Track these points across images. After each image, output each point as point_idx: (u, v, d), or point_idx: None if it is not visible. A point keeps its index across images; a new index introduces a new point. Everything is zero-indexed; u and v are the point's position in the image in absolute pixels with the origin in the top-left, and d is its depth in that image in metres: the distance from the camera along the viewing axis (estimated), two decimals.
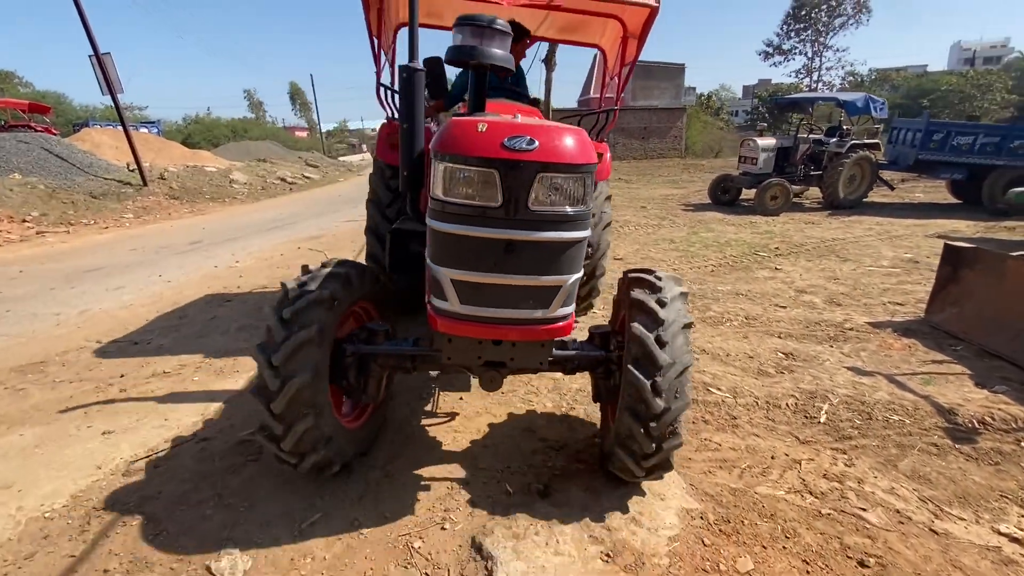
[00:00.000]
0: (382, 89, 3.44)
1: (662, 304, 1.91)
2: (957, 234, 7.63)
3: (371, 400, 2.25)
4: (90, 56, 11.90)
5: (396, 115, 3.26)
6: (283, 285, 1.99)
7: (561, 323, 1.86)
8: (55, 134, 19.93)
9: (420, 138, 2.05)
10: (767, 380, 3.23)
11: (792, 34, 50.28)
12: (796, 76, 52.12)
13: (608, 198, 3.84)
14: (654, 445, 1.86)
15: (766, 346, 3.76)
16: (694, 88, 47.31)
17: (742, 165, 10.16)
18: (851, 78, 51.03)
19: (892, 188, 10.65)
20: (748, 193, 10.94)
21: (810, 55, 50.92)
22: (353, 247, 6.71)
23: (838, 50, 50.37)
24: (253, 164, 20.86)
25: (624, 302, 2.10)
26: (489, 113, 1.95)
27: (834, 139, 9.95)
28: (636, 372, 1.83)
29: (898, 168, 10.24)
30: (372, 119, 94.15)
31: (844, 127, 10.10)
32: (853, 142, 9.56)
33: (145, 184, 12.80)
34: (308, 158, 28.14)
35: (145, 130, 22.95)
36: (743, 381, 3.20)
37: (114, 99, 12.16)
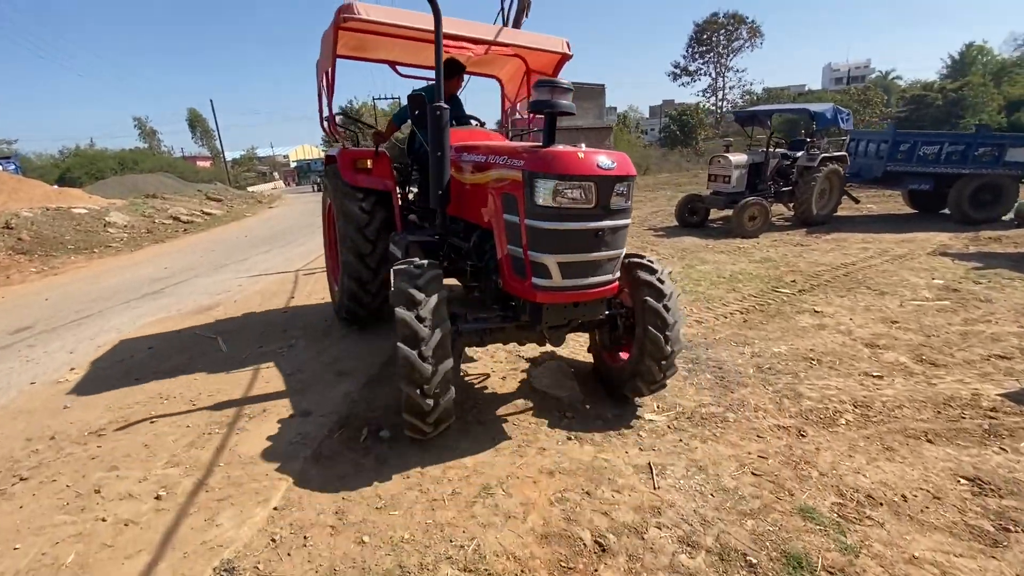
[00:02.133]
0: (337, 118, 3.98)
1: (661, 282, 2.84)
2: (950, 249, 7.11)
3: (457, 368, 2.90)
4: None
5: (345, 144, 4.14)
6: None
7: (616, 283, 2.72)
8: None
9: (448, 164, 2.85)
10: (992, 555, 1.90)
11: (696, 56, 53.44)
12: (703, 95, 55.27)
13: None
14: (663, 374, 2.88)
15: (933, 468, 2.47)
16: (615, 108, 48.57)
17: (713, 184, 9.32)
18: (747, 96, 55.06)
19: (857, 201, 10.31)
20: (716, 213, 10.19)
21: (714, 75, 54.26)
22: (270, 321, 4.86)
23: (737, 71, 54.22)
24: (139, 202, 17.73)
25: (625, 279, 2.89)
26: (559, 144, 2.53)
27: (801, 153, 9.38)
28: (654, 330, 2.74)
29: (861, 180, 9.88)
30: (283, 145, 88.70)
31: (809, 139, 9.60)
32: (823, 155, 9.01)
33: None
34: (209, 191, 24.88)
35: None
36: (965, 566, 1.84)
37: None
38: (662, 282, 2.80)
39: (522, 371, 3.57)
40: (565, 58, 4.13)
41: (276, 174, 75.19)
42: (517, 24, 5.93)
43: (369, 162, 3.69)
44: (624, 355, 3.14)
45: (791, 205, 9.60)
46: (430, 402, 2.35)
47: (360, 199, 3.70)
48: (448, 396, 2.42)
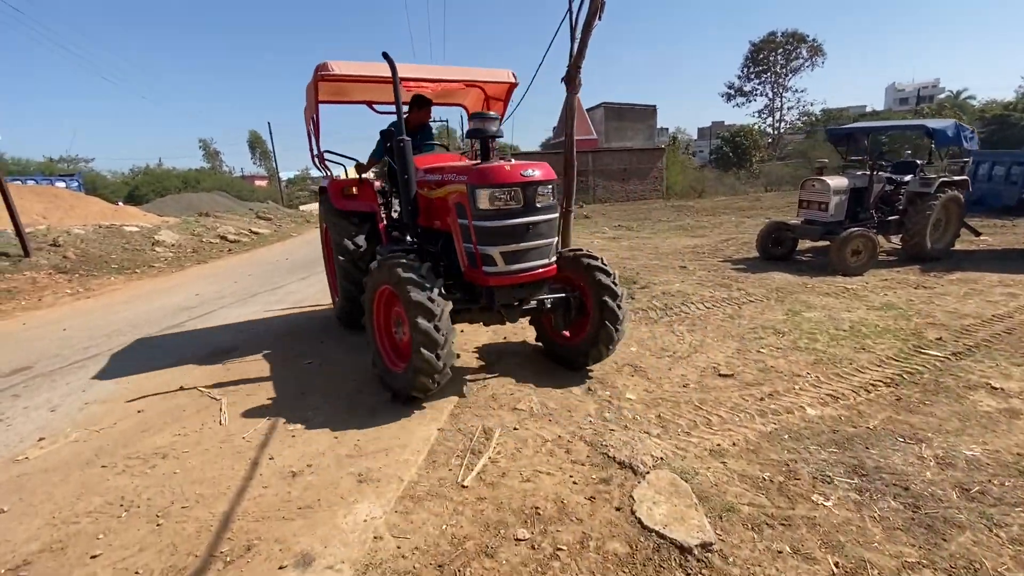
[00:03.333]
0: (319, 157, 4.63)
1: (615, 284, 3.63)
2: None
3: None
4: None
5: (331, 175, 4.84)
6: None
7: (552, 267, 3.43)
8: None
9: (414, 183, 3.57)
10: None
11: (752, 76, 51.55)
12: (759, 116, 53.12)
13: None
14: (609, 353, 3.74)
15: None
16: (666, 129, 47.23)
17: (805, 211, 8.05)
18: (805, 118, 52.48)
19: (978, 234, 8.75)
20: (804, 243, 8.88)
21: (771, 96, 52.10)
22: (286, 378, 4.07)
23: (796, 91, 51.88)
24: (191, 220, 17.90)
25: (580, 274, 3.67)
26: (494, 160, 3.26)
27: (910, 176, 8.00)
28: (609, 324, 3.55)
29: (985, 209, 8.34)
30: (337, 167, 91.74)
31: (919, 161, 8.21)
32: (942, 179, 7.61)
33: (27, 254, 9.77)
34: (260, 210, 25.28)
35: (62, 184, 19.80)
36: None
37: None
38: (615, 284, 3.62)
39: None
40: (512, 86, 4.77)
41: None
42: (588, 27, 5.08)
43: (354, 189, 4.28)
44: (578, 335, 3.86)
45: (898, 237, 8.18)
46: (441, 364, 2.93)
47: (348, 219, 4.34)
48: (452, 359, 3.05)
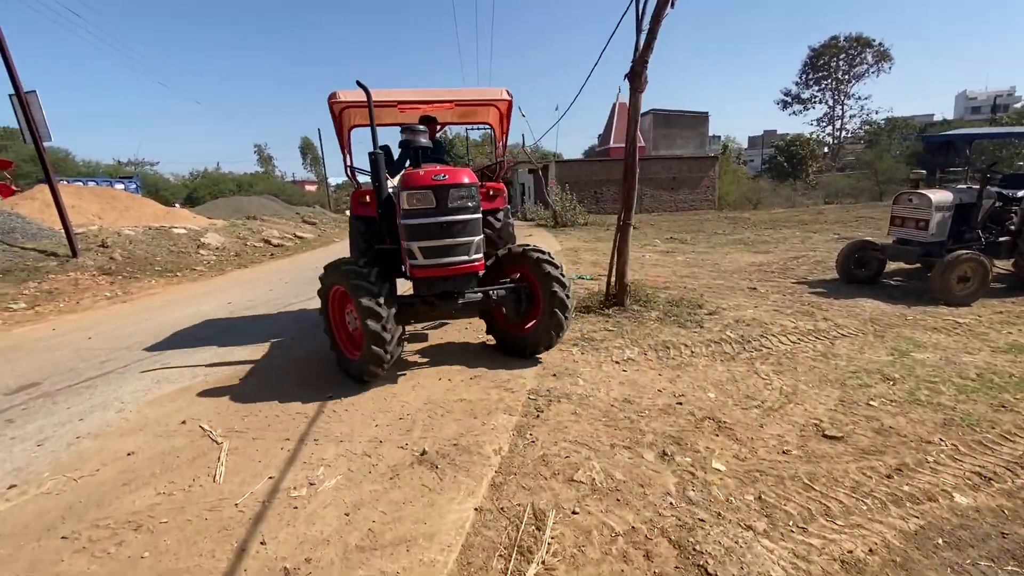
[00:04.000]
0: (350, 169, 5.09)
1: (563, 275, 4.09)
2: None
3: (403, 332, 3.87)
4: (11, 96, 9.28)
5: (359, 185, 5.19)
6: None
7: (476, 263, 3.75)
8: (14, 191, 17.50)
9: (383, 188, 3.91)
10: None
11: (811, 83, 49.05)
12: (817, 124, 50.45)
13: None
14: (558, 339, 4.22)
15: None
16: (718, 137, 45.46)
17: (899, 229, 7.01)
18: (867, 126, 49.36)
19: None
20: (891, 265, 7.80)
21: (831, 103, 49.40)
22: (296, 414, 3.58)
23: (859, 98, 48.97)
24: (239, 223, 18.16)
25: (529, 268, 4.14)
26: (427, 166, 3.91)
27: None
28: (559, 312, 4.03)
29: None
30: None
31: None
32: None
33: (74, 255, 9.87)
34: (307, 214, 25.63)
35: (121, 186, 20.59)
36: None
37: (37, 146, 9.42)
38: (563, 275, 4.11)
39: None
40: (509, 103, 5.02)
41: None
42: (658, 16, 4.43)
43: (368, 197, 4.60)
44: (527, 327, 4.32)
45: (1011, 262, 7.01)
46: (388, 355, 3.54)
47: (362, 221, 4.72)
48: (398, 350, 3.70)
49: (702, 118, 35.51)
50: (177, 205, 32.59)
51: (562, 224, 18.81)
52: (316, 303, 4.40)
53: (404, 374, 4.09)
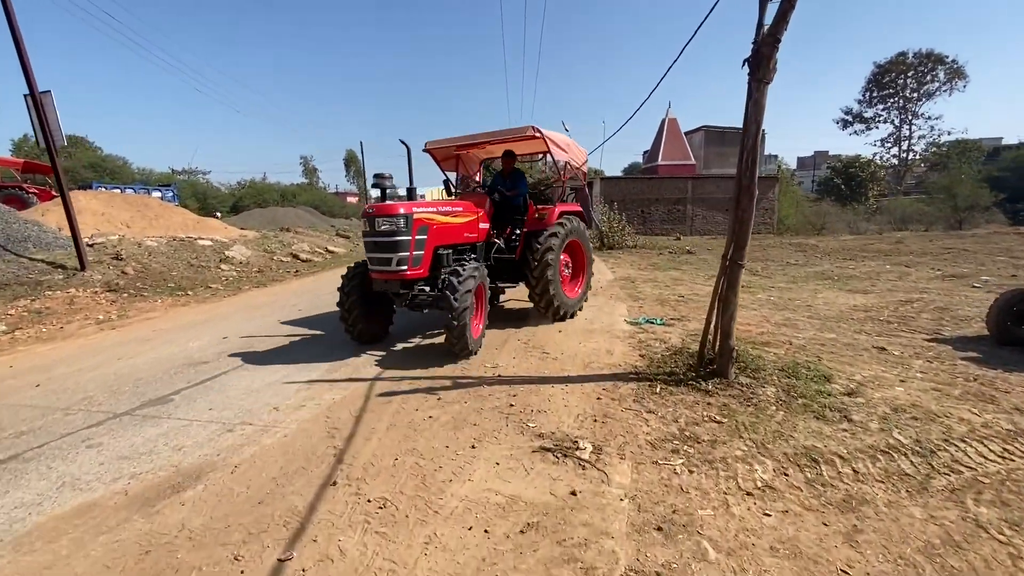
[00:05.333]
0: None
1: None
2: None
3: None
4: (25, 96, 8.61)
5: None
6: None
7: (396, 273, 4.80)
8: (52, 196, 17.39)
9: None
10: None
11: (876, 101, 45.99)
12: (882, 145, 47.22)
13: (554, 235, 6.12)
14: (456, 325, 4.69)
15: None
16: (776, 156, 42.98)
17: None
18: (934, 149, 45.71)
19: None
20: None
21: (898, 123, 46.14)
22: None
23: (929, 118, 45.46)
24: (270, 235, 17.49)
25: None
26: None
27: None
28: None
29: None
30: (423, 185, 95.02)
31: None
32: None
33: (83, 268, 9.06)
34: (341, 227, 25.05)
35: (158, 194, 20.42)
36: None
37: (49, 149, 8.69)
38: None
39: None
40: (534, 136, 6.00)
41: None
42: (776, 33, 2.82)
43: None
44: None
45: None
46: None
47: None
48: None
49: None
50: (219, 215, 32.88)
51: (609, 246, 17.27)
52: (325, 349, 3.05)
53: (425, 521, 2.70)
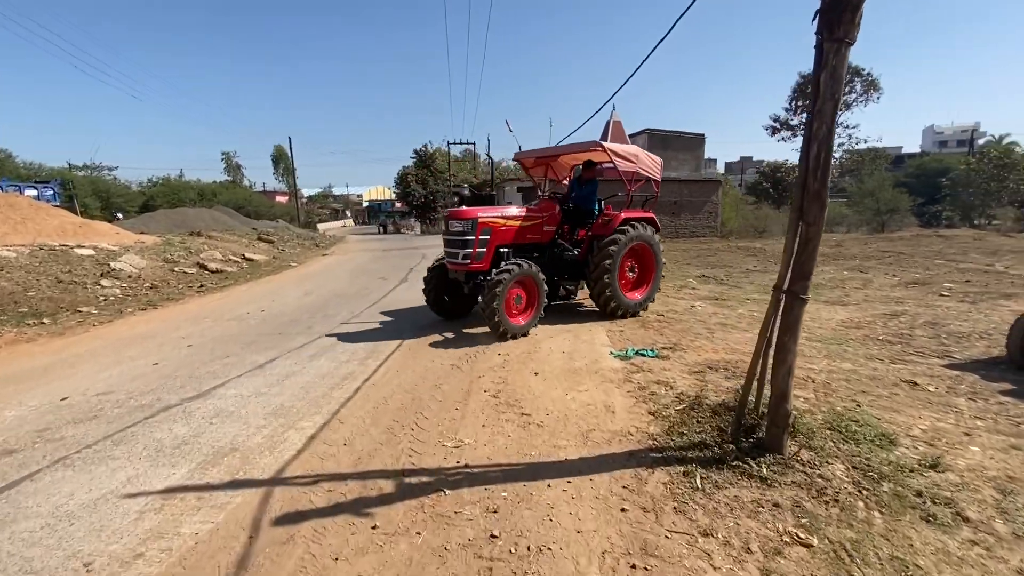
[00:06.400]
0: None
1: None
2: None
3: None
4: None
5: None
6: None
7: (465, 265, 5.99)
8: None
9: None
10: None
11: (801, 110, 48.32)
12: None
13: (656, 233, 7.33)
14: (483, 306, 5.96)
15: None
16: (714, 160, 43.95)
17: None
18: (848, 156, 48.81)
19: None
20: None
21: None
22: None
23: (848, 126, 48.31)
24: (175, 240, 15.02)
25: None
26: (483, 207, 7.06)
27: None
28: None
29: None
30: (359, 184, 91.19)
31: None
32: None
33: None
34: (265, 230, 22.49)
35: (33, 192, 17.19)
36: None
37: None
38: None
39: None
40: (597, 150, 6.68)
41: (348, 212, 75.99)
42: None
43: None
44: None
45: None
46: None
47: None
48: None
49: (698, 140, 33.84)
50: (120, 216, 28.96)
51: None
52: (205, 416, 1.59)
53: None
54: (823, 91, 2.60)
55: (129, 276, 10.32)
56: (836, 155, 49.35)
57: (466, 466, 2.88)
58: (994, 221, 32.51)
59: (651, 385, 4.23)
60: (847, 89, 46.93)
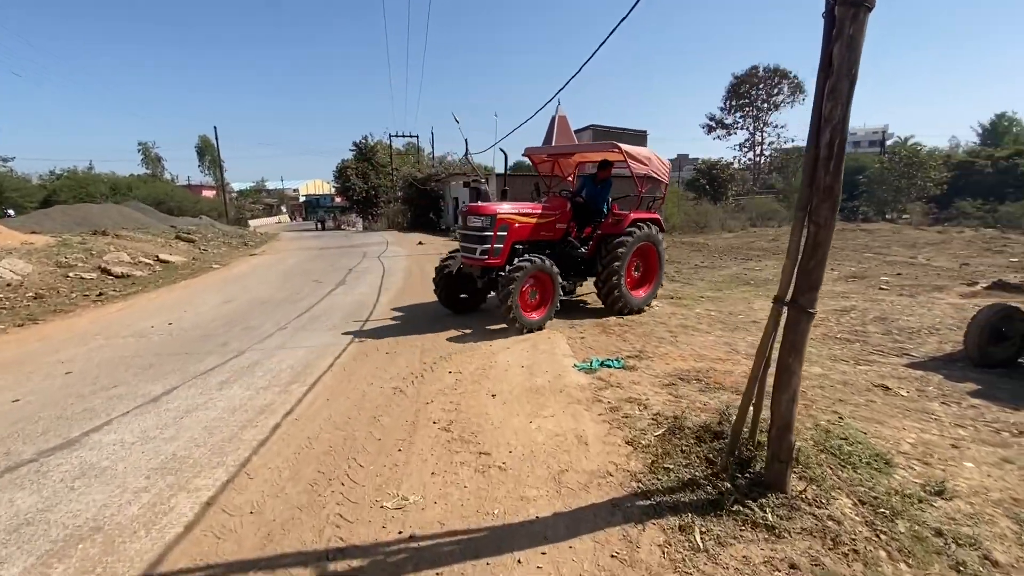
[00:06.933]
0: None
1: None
2: None
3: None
4: None
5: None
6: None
7: (481, 261, 6.13)
8: None
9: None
10: None
11: (734, 109, 50.54)
12: (740, 149, 52.16)
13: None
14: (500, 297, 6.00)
15: None
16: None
17: None
18: (775, 154, 51.70)
19: None
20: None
21: (752, 130, 51.22)
22: None
23: (777, 126, 51.09)
24: (74, 241, 13.19)
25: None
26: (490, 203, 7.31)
27: None
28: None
29: None
30: (295, 179, 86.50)
31: None
32: None
33: None
34: (185, 228, 20.46)
35: None
36: None
37: None
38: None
39: None
40: (613, 151, 6.77)
41: (283, 208, 71.82)
42: None
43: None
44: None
45: None
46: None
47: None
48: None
49: (641, 136, 34.37)
50: (11, 213, 25.60)
51: None
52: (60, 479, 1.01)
53: None
54: (837, 66, 2.16)
55: (8, 284, 8.77)
56: (767, 153, 51.94)
57: (411, 538, 2.24)
58: (904, 215, 35.17)
59: (623, 405, 3.76)
60: (776, 91, 49.61)
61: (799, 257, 2.42)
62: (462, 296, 7.11)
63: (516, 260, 5.92)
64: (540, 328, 6.08)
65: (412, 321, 6.81)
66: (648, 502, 2.54)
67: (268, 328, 6.41)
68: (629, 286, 7.02)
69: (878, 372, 4.90)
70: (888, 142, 62.16)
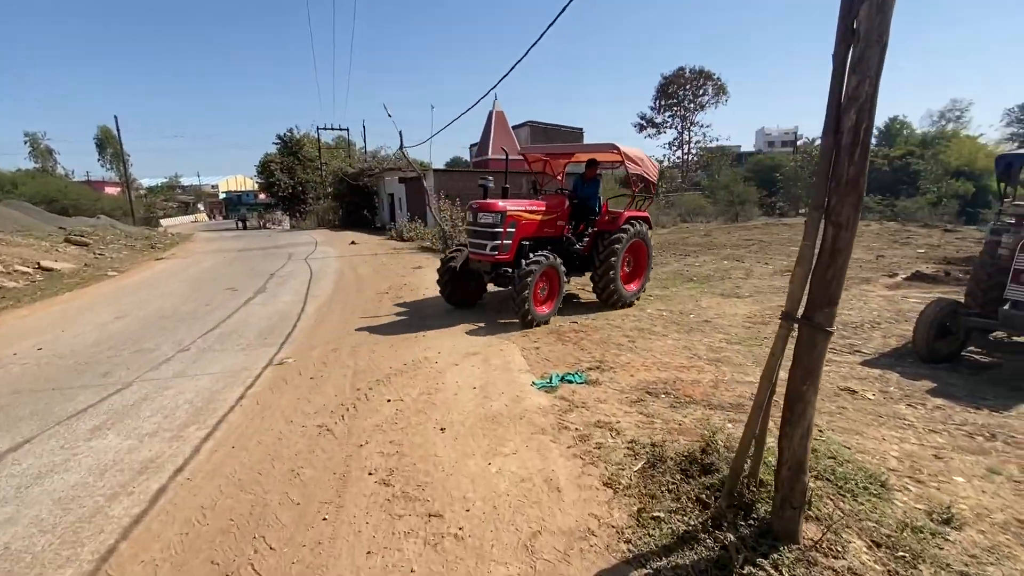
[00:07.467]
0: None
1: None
2: None
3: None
4: None
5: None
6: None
7: (490, 257, 6.34)
8: None
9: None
10: None
11: (663, 109, 52.23)
12: (669, 148, 54.03)
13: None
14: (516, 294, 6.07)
15: None
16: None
17: (1020, 289, 4.70)
18: (701, 152, 54.25)
19: None
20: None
21: (680, 129, 53.19)
22: None
23: (703, 126, 53.35)
24: None
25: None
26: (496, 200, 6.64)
27: None
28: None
29: None
30: (214, 174, 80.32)
31: None
32: None
33: None
34: (79, 229, 17.97)
35: None
36: None
37: None
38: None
39: None
40: (612, 151, 7.05)
41: (200, 206, 66.23)
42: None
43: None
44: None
45: None
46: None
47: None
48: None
49: (577, 134, 34.66)
50: None
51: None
52: None
53: None
54: (865, 32, 1.75)
55: None
56: (694, 151, 54.23)
57: None
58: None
59: (592, 431, 3.28)
60: (701, 91, 51.80)
61: (813, 264, 2.01)
62: (469, 291, 7.30)
63: (531, 256, 6.11)
64: (546, 322, 6.30)
65: (344, 335, 6.02)
66: (643, 571, 2.05)
67: (166, 351, 5.38)
68: (622, 280, 7.29)
69: (838, 373, 4.77)
70: (799, 142, 67.08)
